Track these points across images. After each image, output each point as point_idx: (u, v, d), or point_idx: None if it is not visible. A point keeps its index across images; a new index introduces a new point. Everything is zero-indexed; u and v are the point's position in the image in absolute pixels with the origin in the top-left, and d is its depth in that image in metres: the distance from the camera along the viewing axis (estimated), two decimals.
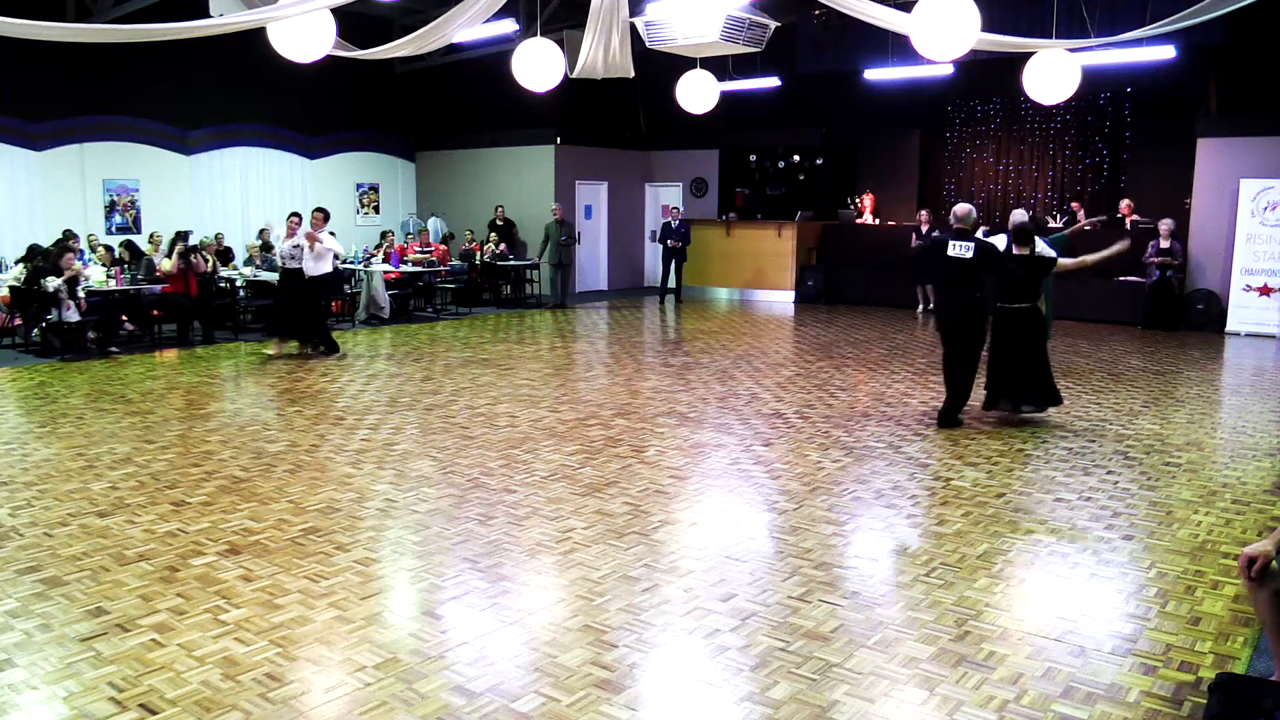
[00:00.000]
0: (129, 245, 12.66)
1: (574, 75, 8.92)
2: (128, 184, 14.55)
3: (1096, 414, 8.18)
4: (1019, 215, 8.16)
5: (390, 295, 14.51)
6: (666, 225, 16.69)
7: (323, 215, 11.07)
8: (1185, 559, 4.90)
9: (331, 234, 11.20)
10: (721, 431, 7.52)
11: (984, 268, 7.59)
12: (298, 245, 10.82)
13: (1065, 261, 8.05)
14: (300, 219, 11.04)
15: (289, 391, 9.09)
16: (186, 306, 12.13)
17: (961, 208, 7.77)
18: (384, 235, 15.36)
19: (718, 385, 9.39)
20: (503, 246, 16.63)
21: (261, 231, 14.44)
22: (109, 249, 12.25)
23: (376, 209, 17.98)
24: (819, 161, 18.23)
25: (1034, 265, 7.82)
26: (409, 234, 16.73)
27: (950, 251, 7.57)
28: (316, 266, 10.95)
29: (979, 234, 11.43)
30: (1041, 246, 10.50)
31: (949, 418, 7.72)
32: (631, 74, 8.92)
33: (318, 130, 16.89)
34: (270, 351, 11.14)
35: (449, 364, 10.64)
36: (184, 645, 3.87)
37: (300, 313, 11.06)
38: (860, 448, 7.04)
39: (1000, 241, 11.36)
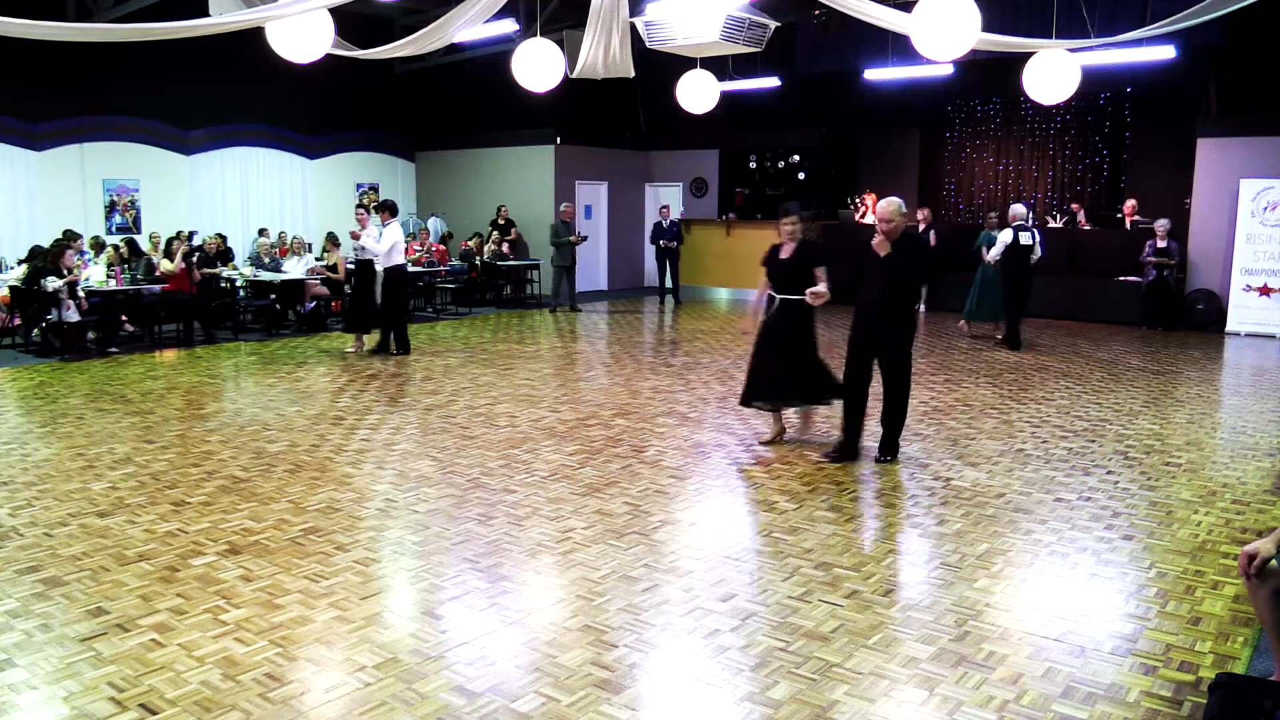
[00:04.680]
0: (130, 243, 12.67)
1: (574, 75, 8.92)
2: (128, 184, 14.55)
3: (1096, 414, 8.18)
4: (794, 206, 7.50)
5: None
6: (659, 225, 16.68)
7: (365, 210, 11.26)
8: (1185, 559, 4.90)
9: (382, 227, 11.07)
10: (721, 431, 7.52)
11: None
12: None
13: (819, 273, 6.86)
14: (366, 212, 11.16)
15: (289, 391, 9.09)
16: (186, 307, 12.13)
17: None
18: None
19: (718, 385, 9.39)
20: (506, 247, 16.62)
21: (262, 232, 14.47)
22: (116, 248, 12.21)
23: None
24: (818, 161, 18.23)
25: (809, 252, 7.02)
26: (410, 235, 16.71)
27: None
28: (386, 260, 10.98)
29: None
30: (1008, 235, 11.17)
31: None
32: (631, 74, 8.91)
33: (318, 130, 16.90)
34: (349, 349, 11.34)
35: (449, 364, 10.65)
36: (184, 645, 3.87)
37: (377, 306, 11.30)
38: (860, 447, 7.03)
39: (1008, 234, 11.60)
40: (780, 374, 6.91)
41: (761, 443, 7.13)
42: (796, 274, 6.78)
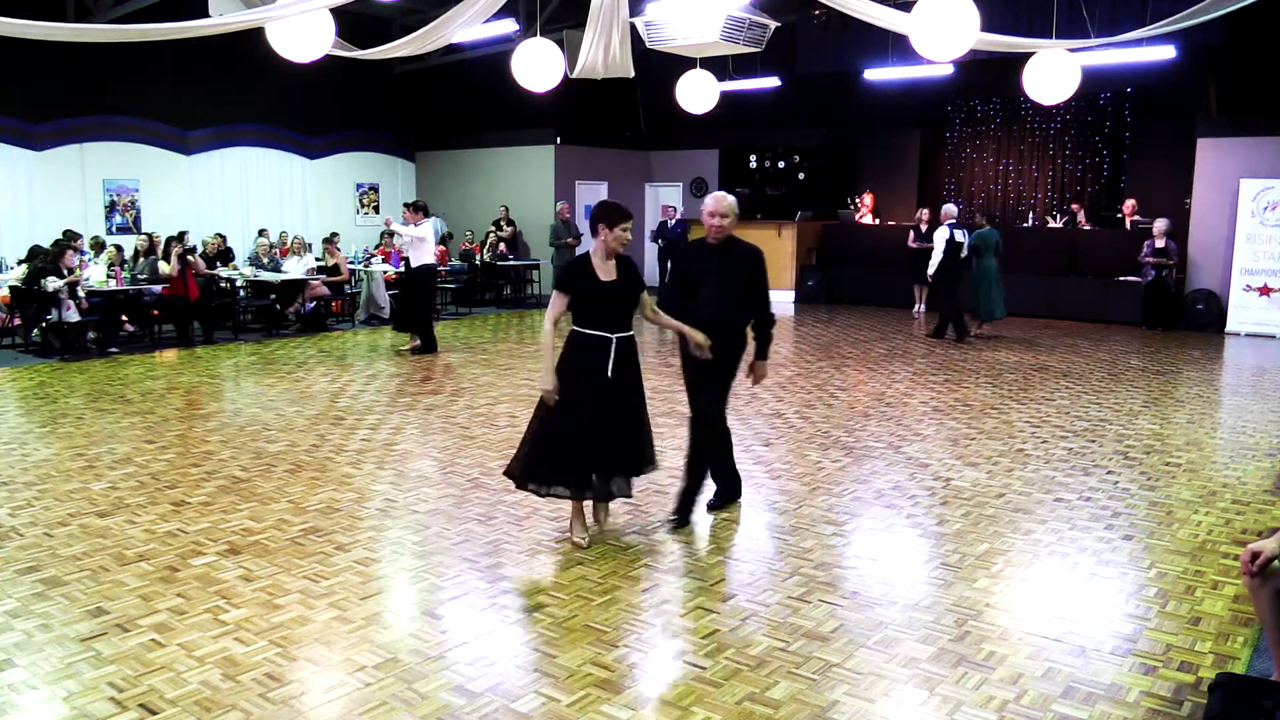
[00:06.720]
0: (148, 238, 12.71)
1: (574, 75, 8.92)
2: (128, 184, 14.55)
3: (1096, 414, 8.18)
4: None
5: (390, 295, 14.51)
6: (663, 225, 16.54)
7: (409, 207, 11.55)
8: (1185, 559, 4.90)
9: (416, 224, 11.31)
10: None
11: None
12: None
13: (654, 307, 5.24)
14: (410, 211, 11.47)
15: (289, 391, 9.09)
16: (185, 307, 12.13)
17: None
18: (383, 236, 15.37)
19: None
20: (503, 246, 16.63)
21: (262, 232, 14.48)
22: (119, 248, 12.22)
23: (376, 209, 17.98)
24: (818, 161, 18.22)
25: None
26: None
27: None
28: (415, 257, 11.28)
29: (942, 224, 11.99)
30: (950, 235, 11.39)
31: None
32: (631, 74, 8.91)
33: (318, 130, 16.90)
34: (405, 347, 11.55)
35: (449, 364, 10.65)
36: (184, 645, 3.87)
37: (406, 303, 11.77)
38: (860, 448, 7.04)
39: (945, 231, 11.90)
40: (618, 443, 4.94)
41: (581, 547, 4.98)
42: (628, 303, 4.91)
